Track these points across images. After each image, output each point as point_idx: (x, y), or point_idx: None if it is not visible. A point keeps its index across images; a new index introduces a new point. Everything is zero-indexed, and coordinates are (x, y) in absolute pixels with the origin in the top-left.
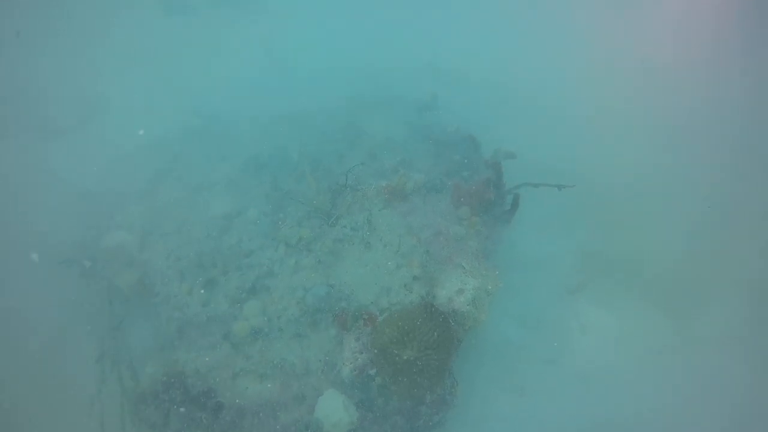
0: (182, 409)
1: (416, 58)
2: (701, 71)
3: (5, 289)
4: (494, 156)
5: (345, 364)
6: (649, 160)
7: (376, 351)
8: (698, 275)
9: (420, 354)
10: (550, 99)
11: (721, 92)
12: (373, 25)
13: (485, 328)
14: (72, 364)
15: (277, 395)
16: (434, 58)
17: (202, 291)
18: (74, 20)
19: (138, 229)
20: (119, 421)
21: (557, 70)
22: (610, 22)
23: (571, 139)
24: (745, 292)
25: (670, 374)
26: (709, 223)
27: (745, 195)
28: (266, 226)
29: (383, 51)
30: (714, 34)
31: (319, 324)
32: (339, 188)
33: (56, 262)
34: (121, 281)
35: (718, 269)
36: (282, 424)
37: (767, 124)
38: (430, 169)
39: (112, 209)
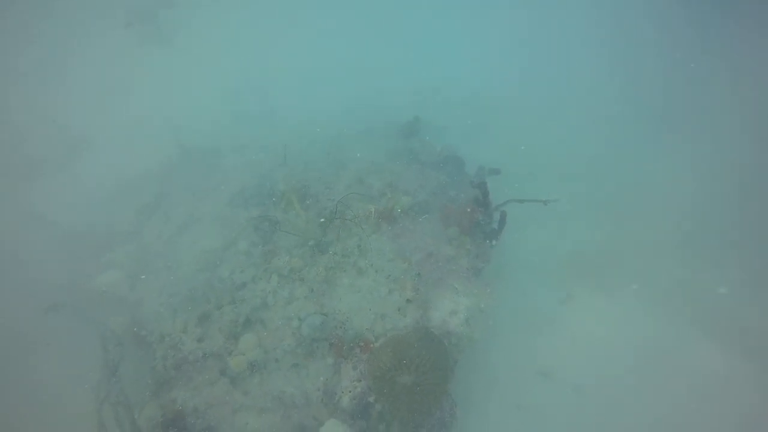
0: None
1: (399, 83)
2: None
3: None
4: (478, 173)
5: (344, 392)
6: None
7: (373, 378)
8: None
9: (417, 378)
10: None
11: None
12: (358, 52)
13: (480, 346)
14: (70, 415)
15: (278, 428)
16: (417, 82)
17: (197, 327)
18: (45, 54)
19: (127, 268)
20: None
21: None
22: None
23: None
24: None
25: (667, 379)
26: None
27: None
28: (257, 258)
29: (367, 78)
30: None
31: (315, 353)
32: (328, 216)
33: (43, 310)
34: (115, 323)
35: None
36: None
37: None
38: (417, 190)
39: (100, 249)
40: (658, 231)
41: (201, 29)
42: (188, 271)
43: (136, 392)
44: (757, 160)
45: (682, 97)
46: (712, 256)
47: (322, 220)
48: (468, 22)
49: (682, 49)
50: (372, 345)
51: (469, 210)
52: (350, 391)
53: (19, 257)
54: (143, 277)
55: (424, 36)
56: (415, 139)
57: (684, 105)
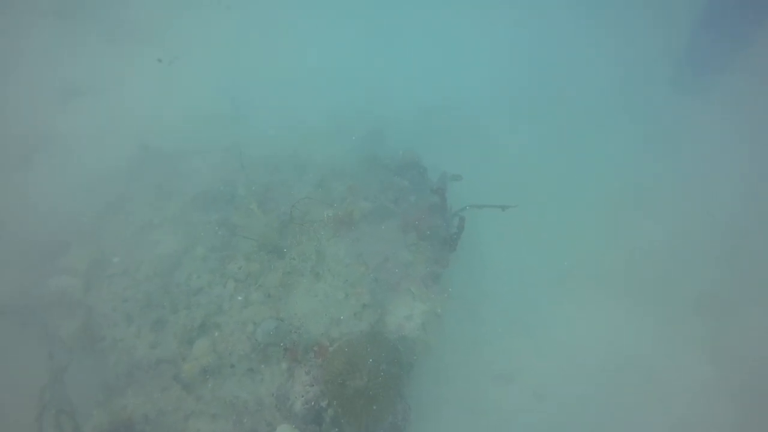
0: None
1: (361, 89)
2: None
3: None
4: (440, 179)
5: (297, 397)
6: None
7: (325, 382)
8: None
9: (369, 382)
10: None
11: None
12: (319, 55)
13: (437, 351)
14: (9, 424)
15: None
16: (380, 85)
17: (151, 332)
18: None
19: (83, 273)
20: None
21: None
22: None
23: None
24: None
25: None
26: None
27: None
28: (214, 263)
29: (328, 83)
30: None
31: (270, 358)
32: (287, 220)
33: None
34: (64, 329)
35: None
36: None
37: None
38: (378, 196)
39: (54, 252)
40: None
41: (178, 28)
42: (145, 276)
43: (83, 401)
44: None
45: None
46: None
47: (281, 222)
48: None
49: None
50: (327, 350)
51: (427, 215)
52: (303, 396)
53: None
54: (98, 281)
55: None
56: (377, 144)
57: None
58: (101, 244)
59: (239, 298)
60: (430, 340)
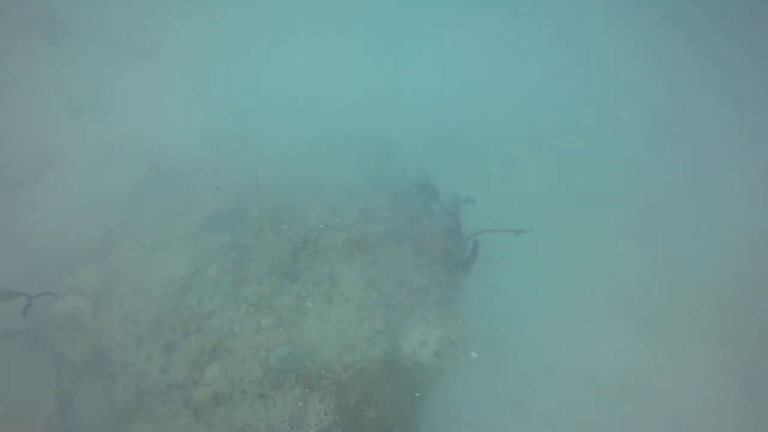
0: None
1: (370, 108)
2: None
3: None
4: (453, 202)
5: (310, 426)
6: None
7: (340, 412)
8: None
9: (385, 413)
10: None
11: None
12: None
13: (450, 377)
14: None
15: None
16: (389, 106)
17: (161, 356)
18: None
19: (91, 294)
20: None
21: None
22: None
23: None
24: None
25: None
26: None
27: None
28: (227, 285)
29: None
30: None
31: (283, 384)
32: (300, 243)
33: None
34: (72, 352)
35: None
36: None
37: None
38: (391, 218)
39: (62, 273)
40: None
41: (185, 43)
42: (155, 298)
43: (92, 427)
44: None
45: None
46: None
47: (294, 247)
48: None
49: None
50: (341, 376)
51: (440, 239)
52: (316, 425)
53: None
54: (107, 302)
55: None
56: (389, 165)
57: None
58: (109, 264)
59: (252, 322)
60: (445, 367)
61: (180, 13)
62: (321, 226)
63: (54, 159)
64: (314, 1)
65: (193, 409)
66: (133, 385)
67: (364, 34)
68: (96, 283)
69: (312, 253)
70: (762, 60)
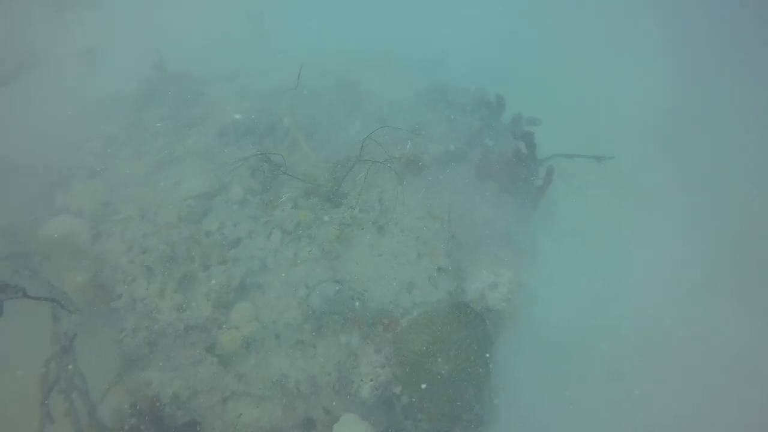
0: None
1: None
2: None
3: None
4: (515, 122)
5: (363, 380)
6: None
7: (401, 365)
8: None
9: (457, 366)
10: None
11: None
12: None
13: (522, 324)
14: (8, 404)
15: (279, 422)
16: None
17: (177, 292)
18: None
19: (88, 214)
20: None
21: None
22: None
23: None
24: None
25: None
26: None
27: None
28: (254, 208)
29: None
30: None
31: (325, 330)
32: (343, 160)
33: None
34: (70, 284)
35: None
36: None
37: None
38: (447, 136)
39: (53, 188)
40: None
41: None
42: (167, 222)
43: (96, 375)
44: None
45: None
46: None
47: (334, 163)
48: None
49: None
50: (399, 322)
51: (509, 162)
52: (372, 380)
53: None
54: (108, 225)
55: None
56: (442, 75)
57: None
58: (111, 180)
59: (287, 253)
60: (517, 313)
61: None
62: (371, 137)
63: (36, 57)
64: None
65: (218, 356)
66: (144, 325)
67: None
68: (94, 202)
69: (357, 165)
70: None
